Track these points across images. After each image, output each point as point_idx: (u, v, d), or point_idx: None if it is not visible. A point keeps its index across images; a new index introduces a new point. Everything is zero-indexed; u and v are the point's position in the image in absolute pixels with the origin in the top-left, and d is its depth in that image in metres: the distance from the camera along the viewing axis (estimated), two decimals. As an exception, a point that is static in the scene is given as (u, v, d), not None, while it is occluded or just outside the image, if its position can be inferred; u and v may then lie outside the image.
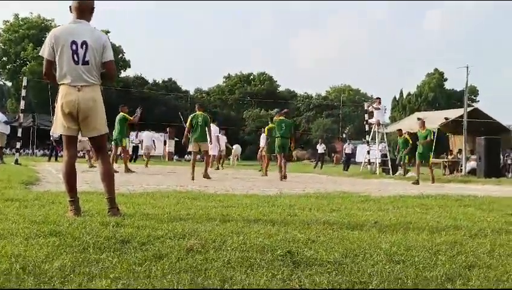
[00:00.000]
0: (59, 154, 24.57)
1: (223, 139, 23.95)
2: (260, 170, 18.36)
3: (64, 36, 4.68)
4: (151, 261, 2.95)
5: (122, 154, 16.09)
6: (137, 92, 52.82)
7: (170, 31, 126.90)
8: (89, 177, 9.93)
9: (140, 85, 59.63)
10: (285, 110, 15.72)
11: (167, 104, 56.00)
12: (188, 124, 13.13)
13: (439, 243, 3.82)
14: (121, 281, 2.51)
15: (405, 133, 20.09)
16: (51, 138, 24.38)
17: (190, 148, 13.28)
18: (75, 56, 4.63)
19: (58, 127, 4.80)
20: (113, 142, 14.95)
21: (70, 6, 4.82)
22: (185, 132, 13.21)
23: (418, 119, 27.26)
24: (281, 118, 14.88)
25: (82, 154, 19.26)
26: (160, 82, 65.29)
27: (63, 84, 4.70)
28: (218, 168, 21.23)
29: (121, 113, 14.96)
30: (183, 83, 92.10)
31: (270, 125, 16.43)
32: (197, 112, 13.20)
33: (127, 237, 3.57)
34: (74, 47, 4.63)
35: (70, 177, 4.83)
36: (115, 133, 14.93)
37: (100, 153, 5.01)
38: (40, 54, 4.88)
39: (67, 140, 4.84)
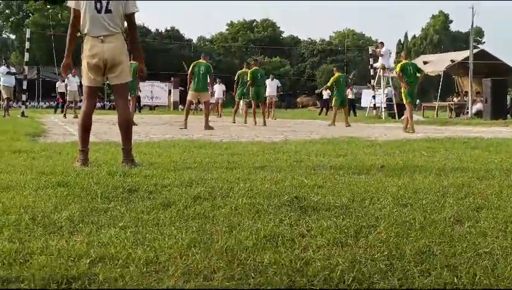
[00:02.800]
0: (65, 105, 24.66)
1: (221, 87, 23.80)
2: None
3: None
4: (158, 209, 2.95)
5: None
6: (140, 42, 52.17)
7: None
8: (94, 128, 9.90)
9: (143, 35, 58.93)
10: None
11: (170, 54, 55.45)
12: (189, 71, 12.79)
13: (447, 185, 3.80)
14: (129, 229, 2.52)
15: None
16: (56, 90, 24.30)
17: (189, 96, 12.97)
18: (97, 4, 4.65)
19: (84, 78, 4.86)
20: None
21: None
22: (188, 80, 12.87)
23: (425, 63, 27.02)
24: (256, 67, 15.44)
25: (71, 105, 19.29)
26: (163, 31, 64.45)
27: (87, 35, 4.73)
28: (220, 116, 21.23)
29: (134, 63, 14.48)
30: (186, 32, 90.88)
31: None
32: (200, 60, 12.88)
33: (134, 186, 3.57)
34: None
35: (86, 127, 4.87)
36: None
37: (121, 101, 5.00)
38: (67, 4, 4.88)
39: (90, 90, 4.89)
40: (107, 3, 4.65)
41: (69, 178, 3.85)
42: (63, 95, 24.44)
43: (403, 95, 12.43)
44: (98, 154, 5.45)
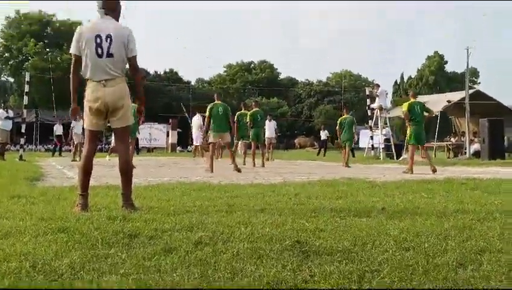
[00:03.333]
0: (62, 148, 24.76)
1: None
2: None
3: (89, 31, 4.78)
4: (160, 255, 2.93)
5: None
6: (144, 84, 52.59)
7: (170, 22, 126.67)
8: (94, 171, 9.89)
9: (142, 77, 59.48)
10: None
11: (169, 96, 55.89)
12: (207, 114, 12.42)
13: (448, 228, 3.80)
14: (130, 276, 2.50)
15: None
16: (54, 133, 24.44)
17: (211, 139, 12.47)
18: (98, 49, 4.71)
19: (86, 122, 4.90)
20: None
21: (97, 5, 4.88)
22: (205, 123, 12.60)
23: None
24: (256, 109, 15.79)
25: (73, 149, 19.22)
26: (162, 73, 65.16)
27: (89, 79, 4.80)
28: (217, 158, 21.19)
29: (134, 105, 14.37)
30: (184, 74, 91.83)
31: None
32: (216, 102, 12.51)
33: (134, 231, 3.56)
34: (98, 40, 4.72)
35: (87, 171, 4.88)
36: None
37: (123, 145, 5.02)
38: (70, 51, 4.92)
39: (91, 134, 4.93)
40: (108, 48, 4.71)
41: (69, 224, 3.84)
42: (60, 138, 24.56)
43: (408, 135, 12.26)
44: (98, 199, 5.44)
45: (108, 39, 4.71)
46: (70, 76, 4.89)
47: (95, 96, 4.74)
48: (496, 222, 4.06)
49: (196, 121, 18.62)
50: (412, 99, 12.36)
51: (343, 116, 15.93)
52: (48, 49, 50.27)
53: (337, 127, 15.78)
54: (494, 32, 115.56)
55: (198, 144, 18.91)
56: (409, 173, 11.29)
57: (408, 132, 12.23)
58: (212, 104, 12.53)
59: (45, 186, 7.27)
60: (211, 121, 12.27)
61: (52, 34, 52.83)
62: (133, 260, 2.83)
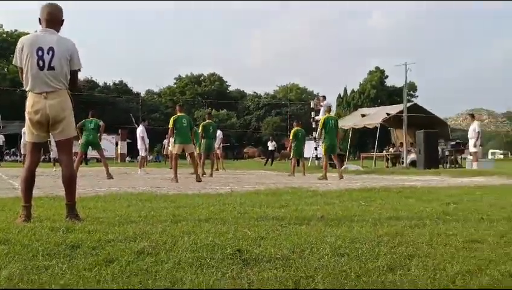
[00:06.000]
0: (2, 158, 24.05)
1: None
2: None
3: (30, 43, 4.63)
4: (101, 265, 2.88)
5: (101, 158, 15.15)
6: (88, 96, 51.67)
7: (119, 32, 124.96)
8: (39, 182, 9.61)
9: (91, 88, 58.38)
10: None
11: (118, 107, 55.10)
12: (170, 125, 12.43)
13: (382, 234, 3.90)
14: (69, 287, 2.45)
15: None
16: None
17: (174, 150, 12.60)
18: (40, 62, 4.57)
19: (27, 134, 4.76)
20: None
21: (39, 18, 4.75)
22: (169, 134, 12.67)
23: (363, 116, 27.97)
24: (209, 121, 15.87)
25: (48, 159, 18.66)
26: (111, 85, 64.11)
27: (30, 91, 4.65)
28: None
29: (95, 120, 14.07)
30: (133, 85, 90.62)
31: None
32: (179, 114, 12.55)
33: (77, 242, 3.48)
34: (40, 53, 4.58)
35: (29, 183, 4.72)
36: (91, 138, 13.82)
37: (65, 156, 4.87)
38: (13, 63, 4.81)
39: (33, 146, 4.78)
40: (50, 61, 4.58)
41: (11, 235, 3.72)
42: (1, 148, 23.80)
43: (324, 147, 13.82)
44: (42, 210, 5.29)
45: (51, 52, 4.58)
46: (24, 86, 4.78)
47: (35, 109, 4.59)
48: (425, 229, 4.19)
49: (139, 132, 18.36)
50: (327, 114, 14.02)
51: (297, 128, 16.37)
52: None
53: (291, 137, 16.19)
54: (432, 52, 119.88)
55: (143, 155, 18.59)
56: (323, 179, 12.81)
57: (323, 143, 13.85)
58: (175, 116, 12.58)
59: (-11, 198, 7.01)
60: (175, 133, 12.38)
61: (-1, 46, 51.43)
62: (73, 270, 2.76)
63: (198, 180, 11.90)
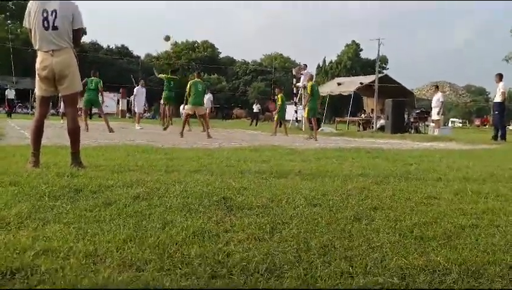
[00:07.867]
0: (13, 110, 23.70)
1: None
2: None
3: (37, 6, 4.61)
4: (100, 207, 2.88)
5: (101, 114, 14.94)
6: (92, 57, 50.78)
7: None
8: (48, 132, 9.49)
9: (95, 50, 57.34)
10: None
11: (120, 68, 54.28)
12: (188, 88, 12.52)
13: (350, 188, 3.93)
14: (72, 225, 2.45)
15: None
16: (6, 97, 23.22)
17: (187, 109, 12.78)
18: (45, 22, 4.55)
19: (37, 88, 4.76)
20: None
21: None
22: (186, 96, 12.63)
23: (338, 84, 27.89)
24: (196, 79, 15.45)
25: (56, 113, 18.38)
26: (114, 48, 63.01)
27: (38, 50, 4.63)
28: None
29: (96, 79, 13.90)
30: (134, 48, 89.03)
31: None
32: (196, 79, 12.74)
33: (80, 187, 3.47)
34: (45, 14, 4.56)
35: (38, 133, 4.71)
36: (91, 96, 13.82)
37: (70, 110, 4.85)
38: (23, 25, 4.81)
39: (42, 100, 4.79)
40: (54, 21, 4.54)
41: (21, 178, 3.69)
42: (11, 102, 23.41)
43: (307, 109, 13.65)
44: (49, 157, 5.24)
45: (54, 13, 4.54)
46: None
47: (43, 65, 4.58)
48: (389, 185, 4.23)
49: (135, 91, 18.46)
50: (311, 82, 13.95)
51: (281, 95, 16.28)
52: (8, 21, 47.48)
53: (279, 102, 16.15)
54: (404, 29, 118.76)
55: (139, 112, 18.48)
56: (313, 139, 12.83)
57: (307, 107, 13.71)
58: (193, 80, 12.73)
59: (2, 145, 6.93)
60: (190, 95, 12.46)
61: (13, 8, 49.89)
62: (75, 211, 2.76)
63: (209, 136, 11.92)
